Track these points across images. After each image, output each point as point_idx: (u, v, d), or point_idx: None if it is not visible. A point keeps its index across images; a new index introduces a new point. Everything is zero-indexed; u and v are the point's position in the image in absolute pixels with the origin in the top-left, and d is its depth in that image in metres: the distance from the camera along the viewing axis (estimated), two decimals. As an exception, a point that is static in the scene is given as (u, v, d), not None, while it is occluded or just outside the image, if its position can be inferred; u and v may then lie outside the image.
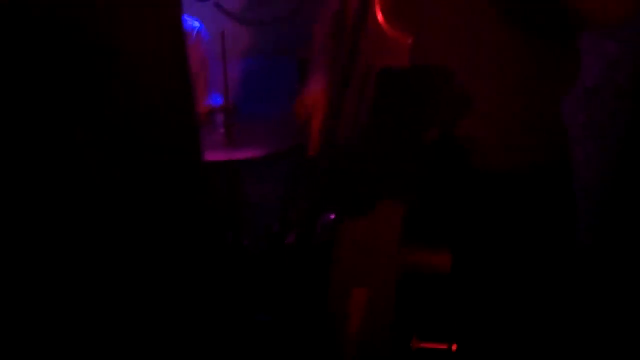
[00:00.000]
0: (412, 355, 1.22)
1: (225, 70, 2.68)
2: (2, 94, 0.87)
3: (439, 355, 1.22)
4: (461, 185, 1.35)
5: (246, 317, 2.55)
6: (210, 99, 3.02)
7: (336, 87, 1.14)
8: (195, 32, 3.06)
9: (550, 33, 1.33)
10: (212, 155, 2.54)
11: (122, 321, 0.99)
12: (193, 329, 1.08)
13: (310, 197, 1.25)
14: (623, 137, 2.40)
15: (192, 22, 3.08)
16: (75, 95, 0.89)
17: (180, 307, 1.06)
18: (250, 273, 2.77)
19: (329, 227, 1.31)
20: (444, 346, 1.21)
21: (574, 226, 1.50)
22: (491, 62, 1.31)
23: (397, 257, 1.20)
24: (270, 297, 2.58)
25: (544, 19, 1.28)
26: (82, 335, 0.96)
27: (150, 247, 0.99)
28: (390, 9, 1.13)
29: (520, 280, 1.41)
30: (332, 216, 1.34)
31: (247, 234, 2.93)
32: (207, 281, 1.12)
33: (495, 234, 1.38)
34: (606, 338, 2.36)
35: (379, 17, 1.13)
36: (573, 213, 1.49)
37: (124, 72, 0.93)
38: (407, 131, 1.14)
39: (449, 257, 1.27)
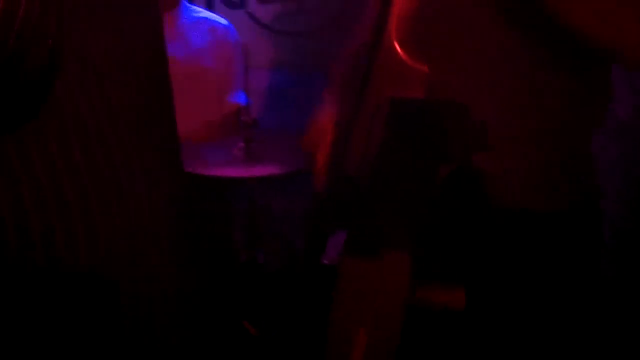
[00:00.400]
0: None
1: (247, 83, 2.63)
2: None
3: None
4: (478, 223, 1.28)
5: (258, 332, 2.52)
6: (237, 98, 2.97)
7: (346, 116, 1.08)
8: (221, 29, 3.02)
9: (579, 63, 1.26)
10: (230, 171, 2.49)
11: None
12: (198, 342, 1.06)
13: (314, 220, 1.20)
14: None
15: (220, 20, 3.04)
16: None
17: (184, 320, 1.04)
18: (262, 290, 2.73)
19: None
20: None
21: (598, 269, 1.43)
22: (515, 95, 1.23)
23: (405, 297, 1.14)
24: (280, 316, 2.55)
25: (571, 49, 1.21)
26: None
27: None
28: (406, 36, 1.07)
29: (539, 322, 1.35)
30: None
31: (264, 251, 2.88)
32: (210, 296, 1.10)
33: (512, 275, 1.32)
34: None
35: (394, 44, 1.07)
36: (598, 255, 1.43)
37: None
38: (420, 167, 1.07)
39: (462, 294, 1.21)
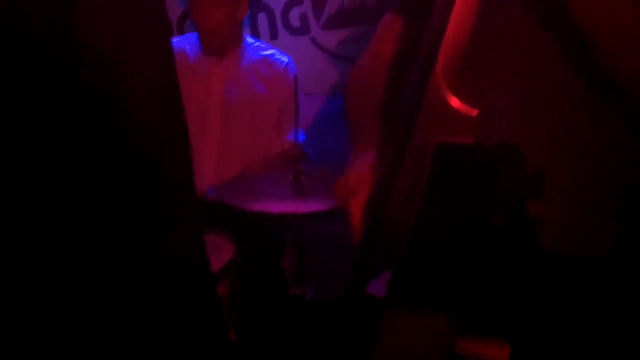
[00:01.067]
0: None
1: (297, 115, 2.58)
2: None
3: None
4: (532, 274, 1.19)
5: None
6: (293, 135, 2.93)
7: (389, 164, 1.01)
8: (283, 67, 3.00)
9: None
10: (278, 207, 2.43)
11: None
12: None
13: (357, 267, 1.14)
14: None
15: (280, 57, 3.03)
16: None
17: None
18: (310, 327, 2.66)
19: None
20: None
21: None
22: (570, 142, 1.14)
23: (447, 352, 1.07)
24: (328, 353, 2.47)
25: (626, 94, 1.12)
26: None
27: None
28: (454, 77, 1.00)
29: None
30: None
31: (313, 286, 2.82)
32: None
33: (563, 326, 1.24)
34: None
35: (442, 86, 0.99)
36: None
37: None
38: (469, 218, 0.99)
39: (507, 348, 1.13)
